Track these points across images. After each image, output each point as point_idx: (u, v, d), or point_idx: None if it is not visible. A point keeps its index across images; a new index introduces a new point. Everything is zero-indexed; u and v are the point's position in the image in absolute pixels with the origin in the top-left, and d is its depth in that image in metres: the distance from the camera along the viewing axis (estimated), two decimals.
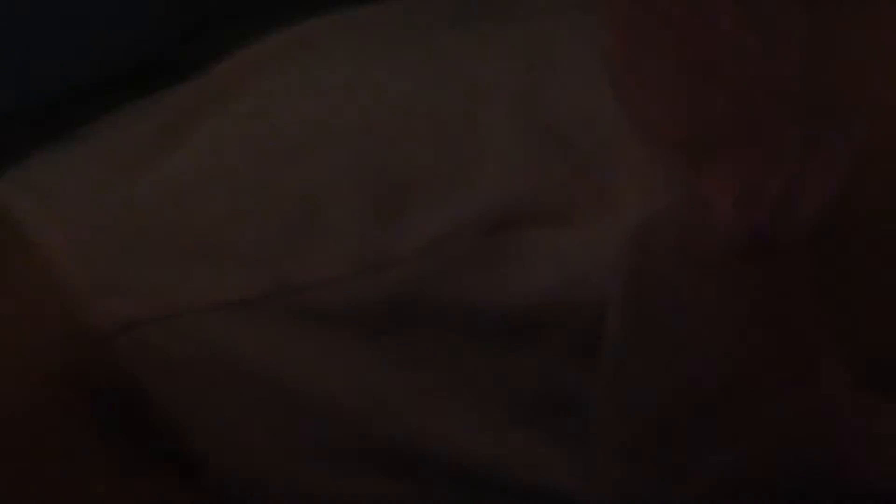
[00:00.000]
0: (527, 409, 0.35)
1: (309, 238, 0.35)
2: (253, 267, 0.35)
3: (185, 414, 0.36)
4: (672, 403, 0.33)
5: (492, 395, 0.35)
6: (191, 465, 0.37)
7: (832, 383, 0.31)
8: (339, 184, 0.35)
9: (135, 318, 0.36)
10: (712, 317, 0.32)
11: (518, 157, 0.34)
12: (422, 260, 0.34)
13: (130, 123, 0.39)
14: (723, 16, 0.31)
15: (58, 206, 0.37)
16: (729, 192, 0.31)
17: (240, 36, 0.39)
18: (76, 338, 0.36)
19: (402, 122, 0.35)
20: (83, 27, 0.41)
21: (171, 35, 0.42)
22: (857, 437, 0.32)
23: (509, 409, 0.35)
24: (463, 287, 0.34)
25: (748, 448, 0.34)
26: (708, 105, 0.31)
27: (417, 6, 0.40)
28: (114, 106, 0.40)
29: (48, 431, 0.36)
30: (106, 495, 0.37)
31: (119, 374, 0.36)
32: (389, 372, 0.35)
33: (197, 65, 0.39)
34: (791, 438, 0.33)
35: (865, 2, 0.33)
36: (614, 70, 0.32)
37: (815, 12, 0.32)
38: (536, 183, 0.34)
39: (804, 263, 0.30)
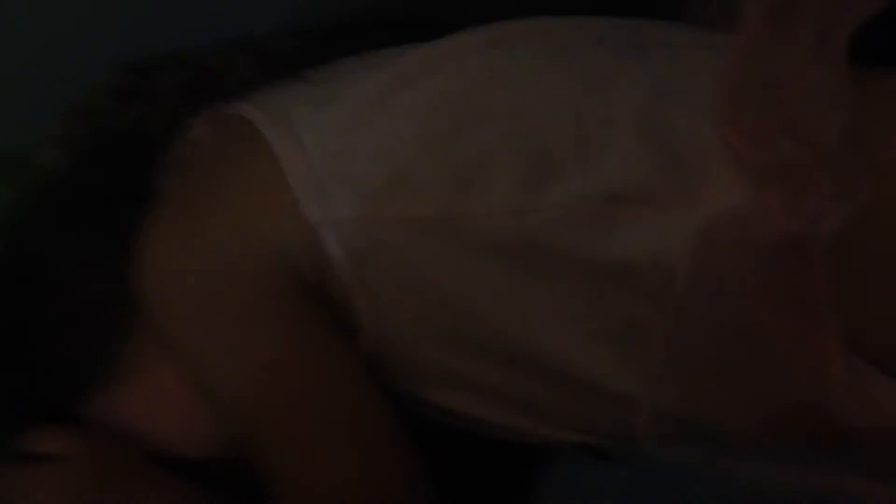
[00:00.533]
0: (613, 332, 0.47)
1: (480, 183, 0.48)
2: (437, 197, 0.48)
3: (361, 293, 0.49)
4: (712, 343, 0.47)
5: (589, 319, 0.47)
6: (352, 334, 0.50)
7: (831, 344, 0.44)
8: (506, 148, 0.48)
9: (340, 218, 0.49)
10: (752, 287, 0.46)
11: (635, 154, 0.47)
12: (556, 213, 0.47)
13: (362, 76, 0.52)
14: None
15: (294, 129, 0.51)
16: (781, 205, 0.45)
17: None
18: (297, 226, 0.49)
19: (557, 115, 0.49)
20: None
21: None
22: (846, 389, 0.44)
23: (600, 330, 0.47)
24: (581, 238, 0.47)
25: (761, 385, 0.47)
26: (781, 147, 0.45)
27: (587, 26, 0.54)
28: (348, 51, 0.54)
29: (276, 293, 0.50)
30: (327, 348, 0.50)
31: (320, 256, 0.49)
32: (519, 290, 0.48)
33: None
34: (793, 383, 0.46)
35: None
36: (720, 107, 0.46)
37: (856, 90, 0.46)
38: (645, 175, 0.46)
39: (827, 262, 0.44)
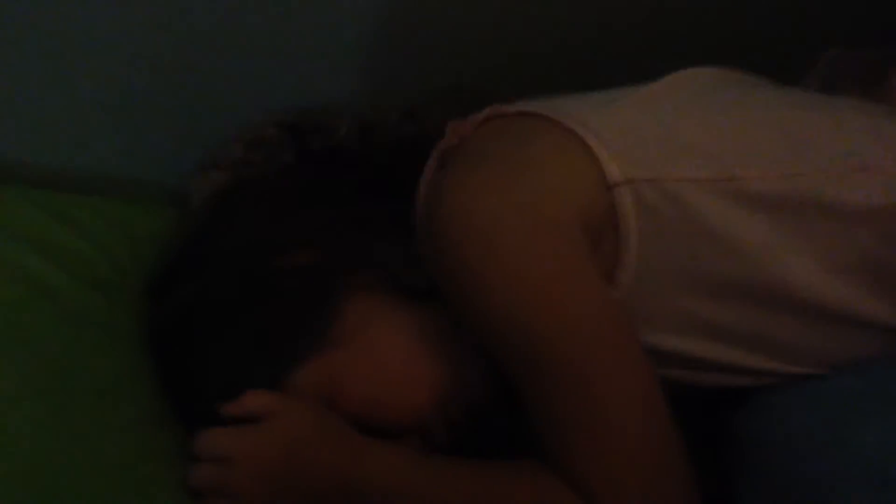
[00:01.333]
0: (866, 268, 0.57)
1: (754, 154, 0.58)
2: (715, 163, 0.58)
3: (637, 245, 0.57)
4: None
5: (843, 257, 0.57)
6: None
7: None
8: (765, 130, 0.60)
9: (636, 177, 0.57)
10: None
11: (862, 136, 0.60)
12: (817, 174, 0.57)
13: (615, 95, 0.64)
14: None
15: (575, 116, 0.60)
16: None
17: None
18: (598, 186, 0.57)
19: (801, 115, 0.62)
20: None
21: None
22: None
23: (854, 267, 0.57)
24: (836, 192, 0.57)
25: None
26: None
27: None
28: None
29: (575, 241, 0.57)
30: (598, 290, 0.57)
31: (611, 212, 0.57)
32: (784, 236, 0.57)
33: None
34: None
35: None
36: None
37: None
38: (871, 148, 0.59)
39: None
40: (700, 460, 0.57)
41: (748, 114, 0.62)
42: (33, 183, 0.74)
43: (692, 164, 0.58)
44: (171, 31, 0.74)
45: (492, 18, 0.81)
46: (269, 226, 0.64)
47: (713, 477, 0.59)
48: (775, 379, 0.60)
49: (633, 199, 0.57)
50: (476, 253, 0.56)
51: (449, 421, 0.64)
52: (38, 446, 0.57)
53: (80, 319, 0.65)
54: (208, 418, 0.60)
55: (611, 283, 0.58)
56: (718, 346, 0.60)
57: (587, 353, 0.54)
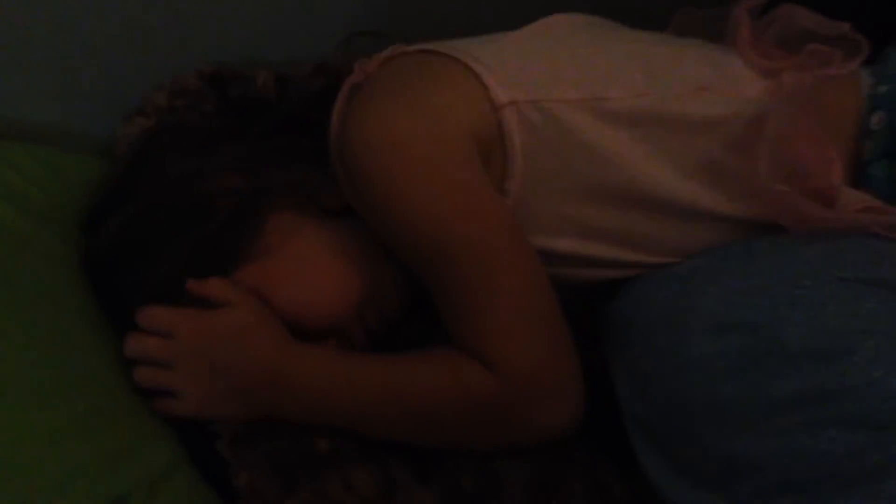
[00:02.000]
0: (705, 167, 0.67)
1: (611, 81, 0.67)
2: (584, 87, 0.67)
3: (523, 159, 0.66)
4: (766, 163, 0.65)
5: (687, 159, 0.67)
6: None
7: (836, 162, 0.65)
8: (624, 61, 0.70)
9: (518, 99, 0.66)
10: (796, 123, 0.65)
11: (703, 67, 0.69)
12: (664, 92, 0.67)
13: (501, 35, 0.72)
14: None
15: (469, 51, 0.68)
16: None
17: None
18: (487, 107, 0.66)
19: (653, 48, 0.73)
20: None
21: None
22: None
23: (695, 167, 0.67)
24: (681, 107, 0.67)
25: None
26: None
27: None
28: None
29: (471, 157, 0.65)
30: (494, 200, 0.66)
31: (499, 131, 0.66)
32: (641, 144, 0.66)
33: None
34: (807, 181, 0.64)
35: None
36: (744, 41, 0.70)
37: None
38: (710, 76, 0.69)
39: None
40: (583, 343, 0.67)
41: (610, 47, 0.72)
42: None
43: (566, 88, 0.67)
44: None
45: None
46: (194, 158, 0.71)
47: (597, 354, 0.69)
48: (642, 270, 0.69)
49: (518, 118, 0.66)
50: (383, 169, 0.64)
51: (366, 326, 0.73)
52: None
53: (33, 252, 0.70)
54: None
55: (501, 193, 0.67)
56: (595, 244, 0.70)
57: (488, 248, 0.63)
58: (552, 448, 0.69)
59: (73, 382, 0.64)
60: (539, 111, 0.66)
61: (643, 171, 0.67)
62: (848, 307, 0.54)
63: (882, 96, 0.66)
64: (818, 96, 0.66)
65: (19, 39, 0.79)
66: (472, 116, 0.66)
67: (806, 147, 0.62)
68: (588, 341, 0.68)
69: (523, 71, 0.68)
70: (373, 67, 0.71)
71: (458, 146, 0.65)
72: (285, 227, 0.70)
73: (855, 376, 0.51)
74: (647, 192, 0.67)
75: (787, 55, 0.69)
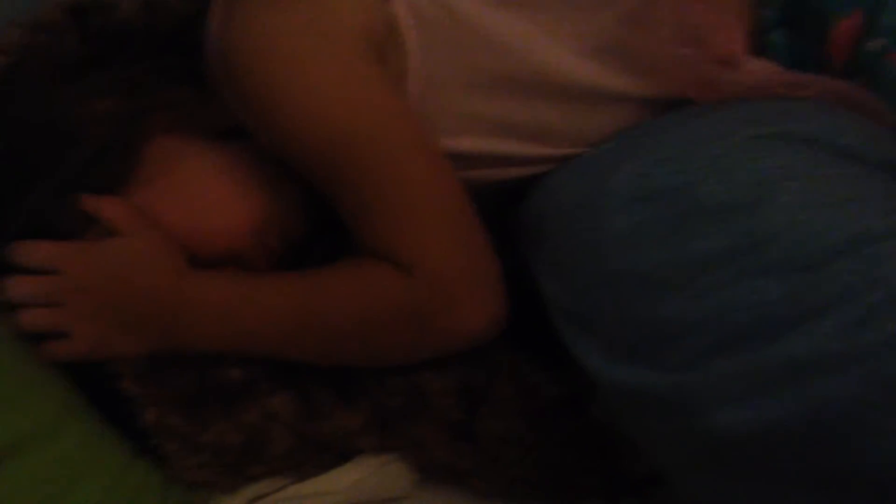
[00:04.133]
0: (601, 48, 0.64)
1: None
2: None
3: (419, 54, 0.63)
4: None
5: (582, 41, 0.64)
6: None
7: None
8: None
9: None
10: None
11: None
12: None
13: None
14: None
15: None
16: None
17: None
18: (376, 1, 0.62)
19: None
20: None
21: None
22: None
23: (592, 48, 0.64)
24: None
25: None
26: None
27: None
28: None
29: (360, 53, 0.61)
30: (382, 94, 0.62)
31: (393, 27, 0.62)
32: (526, 30, 0.64)
33: None
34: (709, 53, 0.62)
35: None
36: None
37: None
38: None
39: None
40: (497, 248, 0.65)
41: None
42: None
43: None
44: None
45: None
46: (63, 85, 0.65)
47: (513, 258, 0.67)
48: (551, 164, 0.67)
49: (410, 12, 0.62)
50: (263, 72, 0.60)
51: (266, 249, 0.68)
52: None
53: None
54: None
55: (401, 95, 0.64)
56: (500, 140, 0.67)
57: (389, 143, 0.60)
58: (476, 355, 0.67)
59: None
60: (431, 2, 0.63)
61: (540, 56, 0.64)
62: (763, 161, 0.54)
63: None
64: None
65: None
66: (358, 13, 0.62)
67: (705, 11, 0.61)
68: (502, 246, 0.66)
69: None
70: None
71: (343, 41, 0.61)
72: (167, 153, 0.65)
73: (779, 221, 0.51)
74: (546, 77, 0.64)
75: None
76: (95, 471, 0.59)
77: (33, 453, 0.56)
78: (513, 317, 0.64)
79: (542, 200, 0.66)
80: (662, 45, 0.62)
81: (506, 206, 0.71)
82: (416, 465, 0.67)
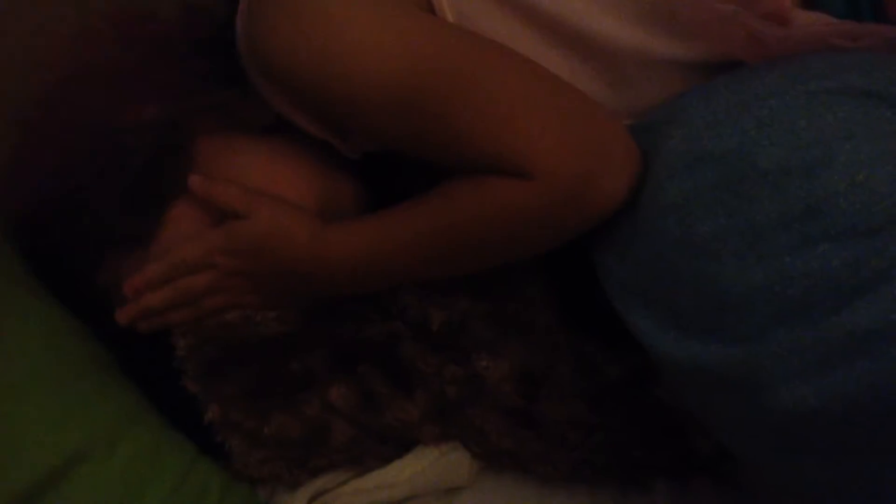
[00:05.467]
0: (638, 12, 0.61)
1: None
2: None
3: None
4: None
5: (623, 7, 0.61)
6: None
7: None
8: None
9: None
10: None
11: None
12: None
13: None
14: None
15: None
16: None
17: None
18: None
19: None
20: None
21: None
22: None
23: (631, 14, 0.61)
24: None
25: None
26: None
27: None
28: None
29: None
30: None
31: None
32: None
33: None
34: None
35: None
36: None
37: None
38: None
39: None
40: None
41: None
42: None
43: None
44: None
45: None
46: (108, 93, 0.66)
47: None
48: None
49: None
50: (307, 49, 0.59)
51: None
52: None
53: None
54: (93, 293, 0.65)
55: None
56: None
57: (464, 59, 0.59)
58: (533, 339, 0.66)
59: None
60: None
61: (586, 23, 0.62)
62: (820, 118, 0.51)
63: None
64: None
65: None
66: None
67: None
68: None
69: None
70: None
71: None
72: (217, 150, 0.66)
73: (838, 183, 0.48)
74: (592, 45, 0.62)
75: None
76: (155, 479, 0.60)
77: (90, 469, 0.57)
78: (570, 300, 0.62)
79: None
80: (706, 4, 0.59)
81: None
82: (477, 454, 0.67)
